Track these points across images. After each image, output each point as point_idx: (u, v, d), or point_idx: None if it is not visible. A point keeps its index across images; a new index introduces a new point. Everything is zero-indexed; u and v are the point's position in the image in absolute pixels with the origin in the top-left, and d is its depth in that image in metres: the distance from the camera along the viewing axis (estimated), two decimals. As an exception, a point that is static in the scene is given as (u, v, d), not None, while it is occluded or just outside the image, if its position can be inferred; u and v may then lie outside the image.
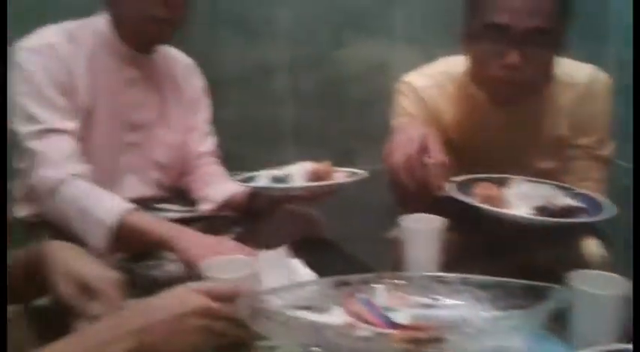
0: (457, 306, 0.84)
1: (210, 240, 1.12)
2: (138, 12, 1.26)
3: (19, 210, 1.32)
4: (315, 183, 1.21)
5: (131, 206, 1.18)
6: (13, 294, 0.87)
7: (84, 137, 1.27)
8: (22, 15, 1.71)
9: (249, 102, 2.03)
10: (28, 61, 1.24)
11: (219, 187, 1.44)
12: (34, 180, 1.21)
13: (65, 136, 1.23)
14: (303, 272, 1.05)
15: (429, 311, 0.84)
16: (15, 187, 1.34)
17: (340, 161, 1.32)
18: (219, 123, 1.57)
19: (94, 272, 0.76)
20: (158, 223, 1.16)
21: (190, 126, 1.48)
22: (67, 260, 0.77)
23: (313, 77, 2.07)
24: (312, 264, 1.24)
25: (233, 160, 1.58)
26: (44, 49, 1.25)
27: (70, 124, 1.24)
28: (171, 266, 1.14)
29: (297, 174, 1.24)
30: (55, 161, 1.21)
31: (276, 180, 1.24)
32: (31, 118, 1.22)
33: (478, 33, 1.23)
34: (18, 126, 1.23)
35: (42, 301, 1.04)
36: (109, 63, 1.32)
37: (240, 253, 1.01)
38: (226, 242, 1.14)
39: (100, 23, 1.33)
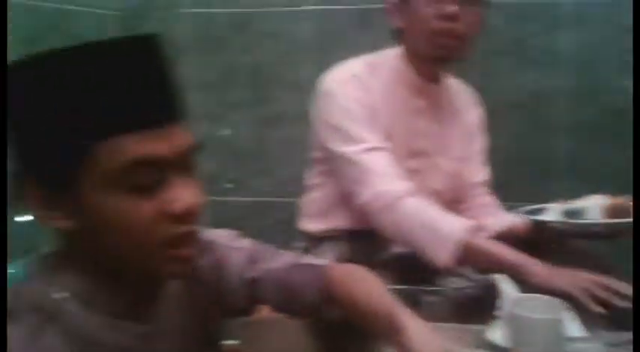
0: None
1: (560, 272, 1.09)
2: (427, 26, 1.26)
3: (309, 224, 1.43)
4: (620, 220, 1.09)
5: (476, 224, 1.19)
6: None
7: None
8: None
9: (522, 130, 1.94)
10: (340, 91, 1.32)
11: (496, 217, 1.39)
12: (367, 197, 1.25)
13: (388, 153, 1.28)
14: (575, 329, 0.92)
15: None
16: (304, 203, 1.44)
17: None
18: (491, 151, 1.52)
19: None
20: (502, 248, 1.16)
21: (466, 156, 1.46)
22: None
23: (596, 105, 1.91)
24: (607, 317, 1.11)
25: (504, 189, 1.51)
26: (351, 79, 1.33)
27: (388, 143, 1.29)
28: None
29: (593, 208, 1.14)
30: (388, 177, 1.25)
31: (570, 214, 1.15)
32: (353, 139, 1.28)
33: None
34: (340, 147, 1.30)
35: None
36: (402, 92, 1.37)
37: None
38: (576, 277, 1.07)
39: (395, 56, 1.37)
